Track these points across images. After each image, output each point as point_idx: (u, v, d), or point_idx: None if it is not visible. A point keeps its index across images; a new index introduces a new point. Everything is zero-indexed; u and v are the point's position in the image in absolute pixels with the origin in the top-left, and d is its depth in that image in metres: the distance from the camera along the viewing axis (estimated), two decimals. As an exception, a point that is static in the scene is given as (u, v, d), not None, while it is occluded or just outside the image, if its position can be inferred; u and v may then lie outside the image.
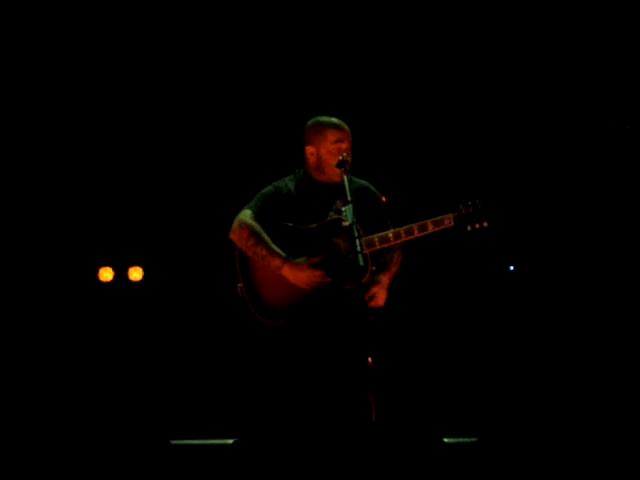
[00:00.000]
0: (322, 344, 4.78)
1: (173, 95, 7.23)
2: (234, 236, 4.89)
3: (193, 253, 7.30)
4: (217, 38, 7.16)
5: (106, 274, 7.37)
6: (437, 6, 7.05)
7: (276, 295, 4.82)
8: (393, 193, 5.16)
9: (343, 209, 4.71)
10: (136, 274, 7.39)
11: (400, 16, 7.07)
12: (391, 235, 4.77)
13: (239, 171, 7.07)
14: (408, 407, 6.74)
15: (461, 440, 6.24)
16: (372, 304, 4.77)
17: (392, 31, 7.12)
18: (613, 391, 6.60)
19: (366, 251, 4.70)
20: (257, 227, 4.84)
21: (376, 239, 4.76)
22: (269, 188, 4.96)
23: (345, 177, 4.71)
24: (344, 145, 4.88)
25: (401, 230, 4.77)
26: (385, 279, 4.86)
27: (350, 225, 4.61)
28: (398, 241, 4.79)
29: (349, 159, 4.80)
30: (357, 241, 4.56)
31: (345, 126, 4.94)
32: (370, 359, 4.50)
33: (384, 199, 4.98)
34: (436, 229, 4.76)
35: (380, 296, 4.81)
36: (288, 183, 4.96)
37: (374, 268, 4.81)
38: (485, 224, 4.76)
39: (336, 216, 4.81)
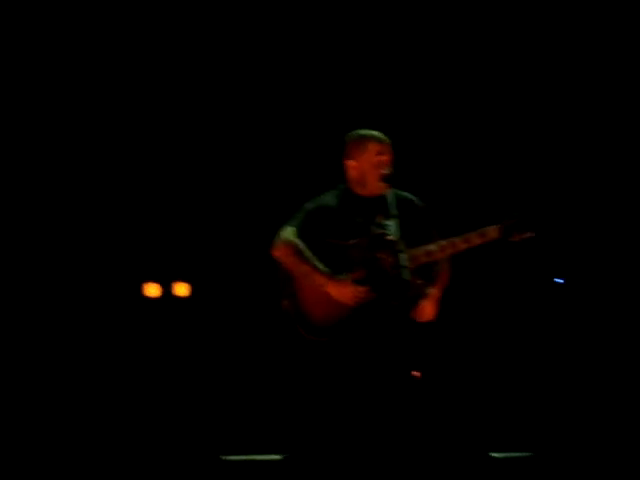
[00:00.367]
0: (367, 360, 4.74)
1: (222, 113, 7.25)
2: (277, 253, 4.84)
3: (239, 269, 7.31)
4: (260, 54, 7.18)
5: (152, 290, 7.39)
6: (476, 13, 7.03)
7: (321, 312, 4.77)
8: (434, 205, 5.12)
9: (387, 223, 4.69)
10: (182, 290, 7.41)
11: (445, 29, 7.04)
12: (436, 249, 4.72)
13: (282, 187, 7.08)
14: (456, 422, 6.70)
15: (511, 455, 6.19)
16: (423, 318, 4.73)
17: (434, 43, 7.11)
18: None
19: (411, 265, 4.66)
20: (300, 244, 4.79)
21: (421, 253, 4.72)
22: (311, 204, 4.90)
23: (389, 190, 4.69)
24: (386, 157, 4.84)
25: (446, 243, 4.72)
26: (435, 292, 4.79)
27: (394, 239, 4.59)
28: (443, 255, 4.74)
29: (391, 172, 4.77)
30: (401, 255, 4.53)
31: (386, 138, 4.88)
32: (417, 373, 4.47)
33: (429, 211, 4.93)
34: (481, 241, 4.71)
35: (431, 310, 4.77)
36: (330, 198, 4.90)
37: (419, 282, 4.76)
38: (530, 235, 4.71)
39: (380, 230, 4.76)
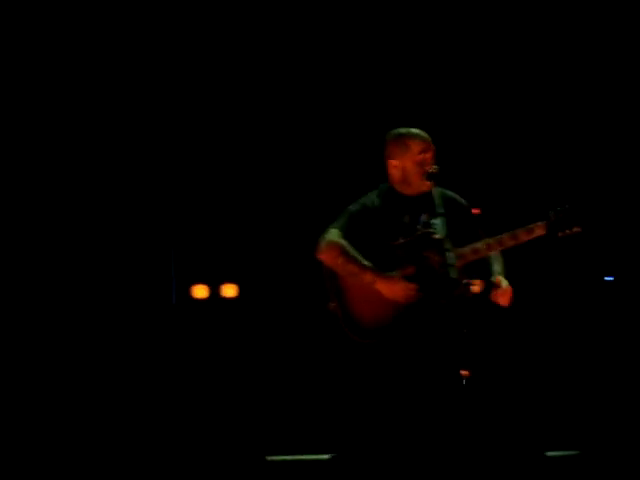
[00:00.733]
0: (417, 361, 4.70)
1: (267, 115, 7.27)
2: (323, 256, 4.79)
3: (287, 270, 7.31)
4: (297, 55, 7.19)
5: (200, 291, 7.42)
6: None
7: (369, 313, 4.74)
8: (478, 202, 5.08)
9: (433, 222, 4.66)
10: (229, 291, 7.42)
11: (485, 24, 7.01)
12: (482, 246, 4.68)
13: (327, 189, 7.07)
14: (508, 421, 6.64)
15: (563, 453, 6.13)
16: (501, 302, 4.67)
17: (476, 37, 7.07)
18: None
19: (458, 264, 4.62)
20: (346, 245, 4.76)
21: (467, 251, 4.67)
22: (355, 205, 4.87)
23: (434, 189, 4.66)
24: (428, 155, 4.80)
25: (492, 241, 4.68)
26: (505, 280, 4.73)
27: (441, 238, 4.56)
28: (490, 252, 4.71)
29: (437, 170, 4.73)
30: (448, 254, 4.50)
31: (426, 136, 4.84)
32: (466, 372, 4.44)
33: (477, 211, 4.88)
34: (528, 238, 4.66)
35: (508, 295, 4.70)
36: (374, 199, 4.86)
37: (466, 281, 4.72)
38: (577, 230, 4.65)
39: (426, 229, 4.73)
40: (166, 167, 7.34)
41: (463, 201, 4.90)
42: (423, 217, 4.76)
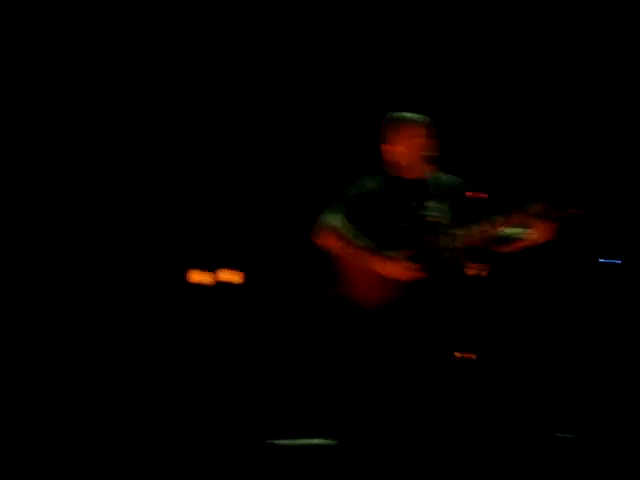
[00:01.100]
0: (418, 342, 4.70)
1: (262, 102, 7.27)
2: (320, 240, 4.79)
3: (288, 255, 7.32)
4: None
5: (201, 277, 7.43)
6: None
7: (369, 294, 4.74)
8: (482, 185, 5.06)
9: (434, 205, 4.65)
10: (232, 277, 7.43)
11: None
12: (484, 228, 4.66)
13: (323, 172, 7.06)
14: (506, 406, 6.64)
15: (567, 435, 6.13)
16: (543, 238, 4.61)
17: (482, 27, 7.05)
18: None
19: (460, 245, 4.62)
20: (345, 227, 4.74)
21: (469, 233, 4.65)
22: (353, 189, 4.85)
23: (432, 173, 4.65)
24: (424, 140, 4.77)
25: (491, 222, 4.65)
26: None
27: (441, 221, 4.56)
28: (492, 232, 4.67)
29: (435, 153, 4.70)
30: (449, 236, 4.49)
31: (424, 120, 4.80)
32: (466, 355, 4.44)
33: (485, 195, 4.86)
34: (523, 218, 4.64)
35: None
36: (372, 183, 4.84)
37: (468, 263, 4.72)
38: (574, 212, 4.61)
39: (425, 212, 4.72)
40: (169, 156, 7.35)
41: (466, 184, 4.87)
42: (423, 200, 4.75)
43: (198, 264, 7.41)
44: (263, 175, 7.37)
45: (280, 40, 7.16)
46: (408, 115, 4.82)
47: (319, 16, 7.09)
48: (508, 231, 4.69)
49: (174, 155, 7.33)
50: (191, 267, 7.37)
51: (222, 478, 5.86)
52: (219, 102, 7.34)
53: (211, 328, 7.36)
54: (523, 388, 6.90)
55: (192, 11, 7.08)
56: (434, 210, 4.66)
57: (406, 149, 4.77)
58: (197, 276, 7.40)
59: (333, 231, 4.74)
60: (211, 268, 7.43)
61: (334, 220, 4.76)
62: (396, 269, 4.65)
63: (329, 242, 4.75)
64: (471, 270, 4.76)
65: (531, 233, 4.62)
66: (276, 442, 6.34)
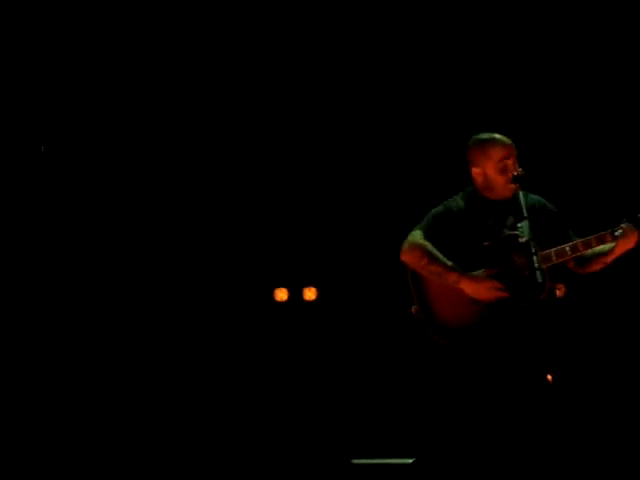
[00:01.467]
0: (499, 363, 4.70)
1: (345, 122, 7.29)
2: (406, 257, 4.83)
3: (367, 272, 7.32)
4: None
5: (281, 294, 7.46)
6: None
7: (451, 314, 4.76)
8: (563, 204, 5.03)
9: (519, 225, 4.65)
10: (310, 294, 7.46)
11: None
12: (568, 249, 4.66)
13: (411, 192, 7.05)
14: (592, 424, 6.57)
15: None
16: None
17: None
18: None
19: (543, 267, 4.59)
20: (429, 246, 4.77)
21: (553, 254, 4.65)
22: (439, 207, 4.89)
23: (519, 193, 4.64)
24: (510, 161, 4.78)
25: (578, 243, 4.67)
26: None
27: (526, 241, 4.55)
28: (575, 254, 4.68)
29: (522, 174, 4.71)
30: (534, 257, 4.48)
31: (508, 141, 4.82)
32: (550, 377, 4.42)
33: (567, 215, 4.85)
34: (613, 239, 4.63)
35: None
36: (458, 201, 4.88)
37: (551, 285, 4.69)
38: None
39: (511, 232, 4.71)
40: (241, 175, 7.40)
41: (550, 204, 4.89)
42: (509, 220, 4.76)
43: (283, 282, 7.45)
44: (348, 191, 7.38)
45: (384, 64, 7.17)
46: (493, 136, 4.84)
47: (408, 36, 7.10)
48: (598, 248, 4.68)
49: (258, 178, 7.39)
50: (276, 286, 7.42)
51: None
52: (310, 130, 7.37)
53: (298, 346, 7.38)
54: (607, 408, 6.83)
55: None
56: (520, 230, 4.66)
57: (491, 171, 4.79)
58: (282, 294, 7.43)
59: (419, 248, 4.78)
60: (290, 286, 7.47)
61: (420, 237, 4.80)
62: (479, 289, 4.67)
63: (415, 259, 4.79)
64: (559, 291, 4.74)
65: (616, 246, 4.62)
66: (360, 461, 6.34)
